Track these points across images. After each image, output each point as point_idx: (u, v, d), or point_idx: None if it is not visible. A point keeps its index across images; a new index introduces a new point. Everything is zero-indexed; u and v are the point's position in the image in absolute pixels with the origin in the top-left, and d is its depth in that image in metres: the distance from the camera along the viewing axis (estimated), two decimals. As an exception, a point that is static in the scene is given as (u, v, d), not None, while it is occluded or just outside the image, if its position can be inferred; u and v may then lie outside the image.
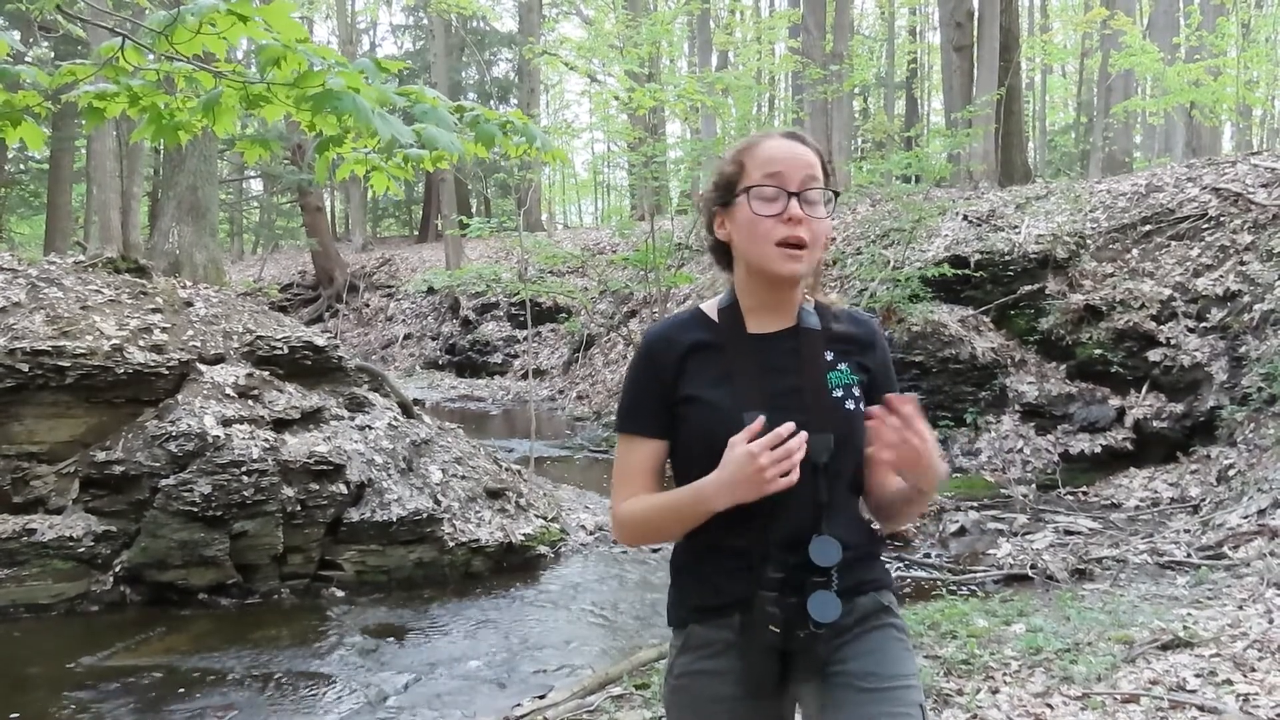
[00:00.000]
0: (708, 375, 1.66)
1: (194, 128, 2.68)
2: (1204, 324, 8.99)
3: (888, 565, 1.81)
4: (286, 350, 6.97)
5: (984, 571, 6.22)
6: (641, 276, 12.99)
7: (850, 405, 1.66)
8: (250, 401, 6.43)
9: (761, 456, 1.50)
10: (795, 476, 1.52)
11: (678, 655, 1.71)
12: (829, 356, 1.68)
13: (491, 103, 29.57)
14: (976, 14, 15.83)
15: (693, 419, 1.65)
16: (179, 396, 6.24)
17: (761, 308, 1.70)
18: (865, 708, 1.59)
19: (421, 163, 2.66)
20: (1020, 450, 9.27)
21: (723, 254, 1.76)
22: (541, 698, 4.36)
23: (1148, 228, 10.22)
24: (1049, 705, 3.51)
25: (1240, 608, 4.65)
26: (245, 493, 5.88)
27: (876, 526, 1.82)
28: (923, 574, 6.45)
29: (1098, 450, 8.98)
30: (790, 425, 1.52)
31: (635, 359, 1.74)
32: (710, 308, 1.74)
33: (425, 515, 6.44)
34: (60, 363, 5.96)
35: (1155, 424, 8.87)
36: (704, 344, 1.69)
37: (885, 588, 1.70)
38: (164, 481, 5.83)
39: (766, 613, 1.55)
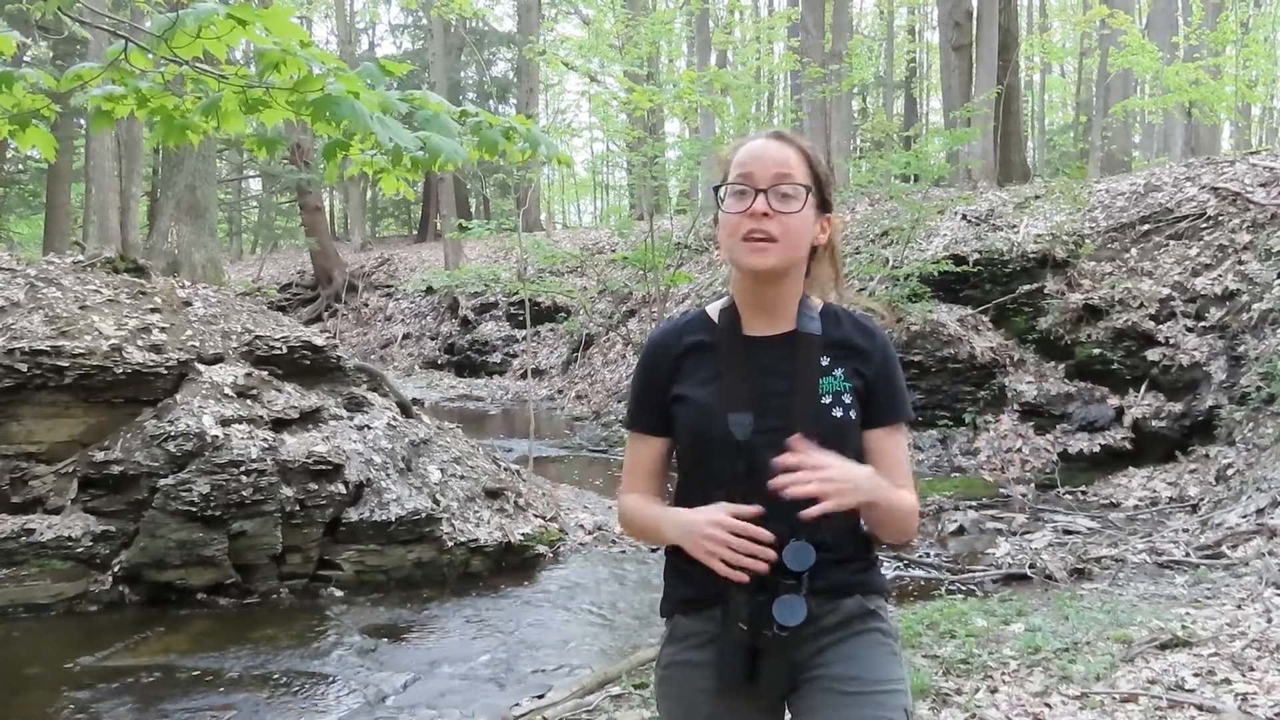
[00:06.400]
0: (700, 375, 1.70)
1: (204, 128, 2.68)
2: (1202, 323, 9.00)
3: (884, 564, 1.82)
4: (285, 350, 6.97)
5: (983, 571, 6.23)
6: (640, 276, 13.00)
7: (838, 413, 1.65)
8: (249, 401, 6.43)
9: (717, 535, 1.55)
10: (740, 576, 1.54)
11: (665, 645, 1.76)
12: (824, 361, 1.68)
13: (490, 103, 29.59)
14: (975, 13, 15.84)
15: (682, 417, 1.69)
16: (177, 396, 6.24)
17: (756, 308, 1.71)
18: (847, 711, 1.60)
19: (429, 166, 2.67)
20: (1019, 450, 9.26)
21: None
22: (540, 697, 4.37)
23: (1146, 227, 10.23)
24: (1047, 705, 3.51)
25: (1239, 607, 4.65)
26: (244, 492, 5.88)
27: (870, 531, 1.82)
28: (921, 573, 6.45)
29: (1096, 450, 8.98)
30: (765, 533, 1.54)
31: (639, 360, 1.79)
32: (714, 309, 1.77)
33: (424, 515, 6.44)
34: (59, 362, 5.96)
35: (1154, 423, 8.88)
36: (701, 345, 1.72)
37: (874, 592, 1.70)
38: (162, 481, 5.83)
39: (736, 610, 1.58)
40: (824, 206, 1.71)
